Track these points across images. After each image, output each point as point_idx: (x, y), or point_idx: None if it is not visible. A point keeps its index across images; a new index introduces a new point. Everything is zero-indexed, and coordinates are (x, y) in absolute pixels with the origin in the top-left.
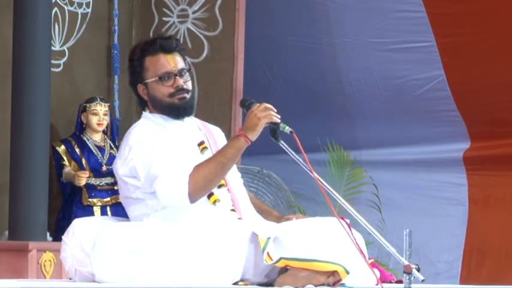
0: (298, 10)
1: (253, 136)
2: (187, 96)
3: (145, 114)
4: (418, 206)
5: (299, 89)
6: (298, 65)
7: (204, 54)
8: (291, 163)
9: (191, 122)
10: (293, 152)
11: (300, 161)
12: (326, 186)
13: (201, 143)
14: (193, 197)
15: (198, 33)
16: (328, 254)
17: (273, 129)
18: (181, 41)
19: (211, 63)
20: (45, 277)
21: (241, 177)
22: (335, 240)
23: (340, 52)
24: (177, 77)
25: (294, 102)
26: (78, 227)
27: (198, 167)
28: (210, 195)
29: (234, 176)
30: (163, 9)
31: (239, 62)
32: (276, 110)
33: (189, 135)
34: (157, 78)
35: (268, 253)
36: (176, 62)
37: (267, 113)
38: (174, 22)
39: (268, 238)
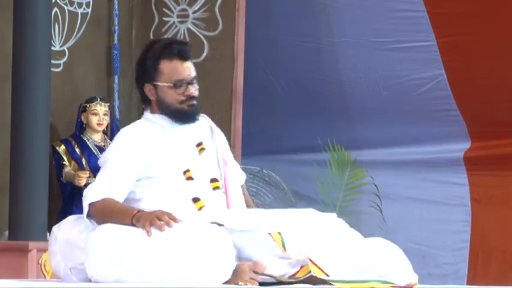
0: (298, 10)
1: (137, 223)
2: (195, 103)
3: (147, 114)
4: (419, 206)
5: (299, 89)
6: (298, 65)
7: (204, 54)
8: (291, 163)
9: (198, 123)
10: None
11: None
12: None
13: (199, 144)
14: (89, 218)
15: (198, 33)
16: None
17: None
18: None
19: (211, 63)
20: (45, 277)
21: None
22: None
23: (341, 52)
24: (189, 86)
25: (294, 102)
26: (58, 230)
27: (105, 202)
28: (196, 200)
29: (232, 178)
30: (164, 9)
31: (239, 62)
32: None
33: (188, 136)
34: (171, 84)
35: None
36: (190, 70)
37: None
38: (174, 22)
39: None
